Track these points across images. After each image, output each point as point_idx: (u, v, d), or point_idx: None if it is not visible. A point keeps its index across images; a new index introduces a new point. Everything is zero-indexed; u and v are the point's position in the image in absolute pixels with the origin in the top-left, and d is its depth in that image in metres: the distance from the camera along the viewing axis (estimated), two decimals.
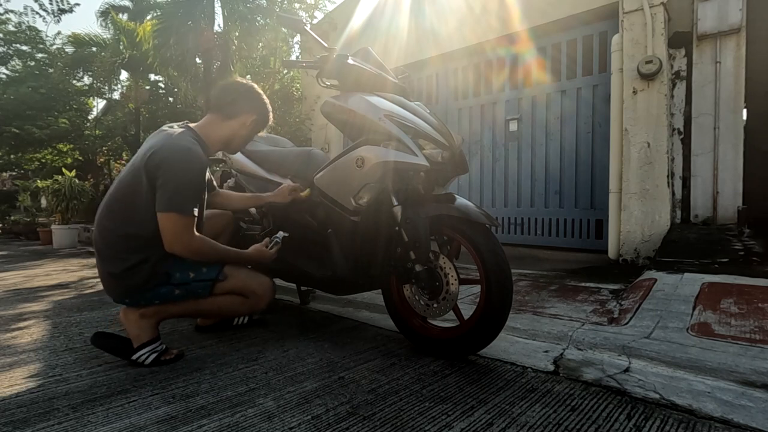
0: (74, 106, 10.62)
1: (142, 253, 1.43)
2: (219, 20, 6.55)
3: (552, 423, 1.03)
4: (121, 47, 8.09)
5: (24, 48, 11.39)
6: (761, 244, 2.68)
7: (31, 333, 1.87)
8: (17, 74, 10.97)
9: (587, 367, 1.37)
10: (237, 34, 6.25)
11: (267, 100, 1.68)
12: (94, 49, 8.93)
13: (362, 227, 1.57)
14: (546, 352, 1.52)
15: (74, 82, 10.52)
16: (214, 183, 1.86)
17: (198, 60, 6.27)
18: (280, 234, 1.72)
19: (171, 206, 1.37)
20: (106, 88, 10.57)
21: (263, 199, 1.87)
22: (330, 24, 5.58)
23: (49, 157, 10.98)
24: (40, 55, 11.40)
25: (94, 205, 8.48)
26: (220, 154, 2.16)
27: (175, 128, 1.53)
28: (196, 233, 1.44)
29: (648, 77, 3.13)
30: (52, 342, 1.73)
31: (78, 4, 12.90)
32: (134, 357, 1.44)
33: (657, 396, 1.16)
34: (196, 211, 1.42)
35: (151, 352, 1.44)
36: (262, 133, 1.94)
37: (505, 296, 1.35)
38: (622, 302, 2.15)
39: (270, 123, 1.72)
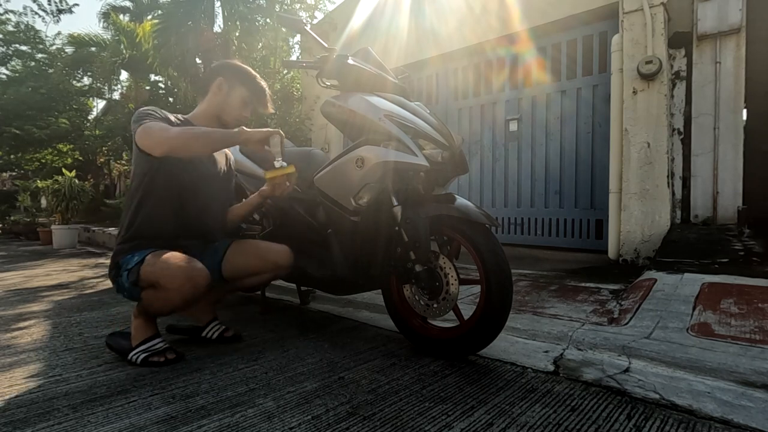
0: (74, 107, 10.62)
1: (117, 244, 1.53)
2: (219, 20, 6.56)
3: (552, 423, 1.03)
4: (121, 47, 8.09)
5: (24, 48, 11.39)
6: (761, 244, 2.68)
7: (31, 333, 1.87)
8: (17, 74, 10.98)
9: (587, 367, 1.37)
10: (237, 34, 6.25)
11: (241, 64, 1.66)
12: (93, 49, 8.94)
13: (362, 227, 1.57)
14: (546, 352, 1.52)
15: (74, 82, 10.53)
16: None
17: (198, 60, 6.27)
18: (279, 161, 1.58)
19: (138, 124, 1.42)
20: (106, 88, 10.59)
21: (259, 195, 1.74)
22: (330, 24, 5.58)
23: (49, 157, 10.98)
24: (40, 55, 11.41)
25: (94, 205, 8.49)
26: None
27: None
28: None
29: (648, 77, 3.13)
30: (52, 342, 1.73)
31: (77, 4, 12.88)
32: (128, 357, 1.45)
33: (657, 396, 1.16)
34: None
35: (142, 351, 1.44)
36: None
37: (505, 296, 1.35)
38: (622, 302, 2.14)
39: (259, 86, 1.64)
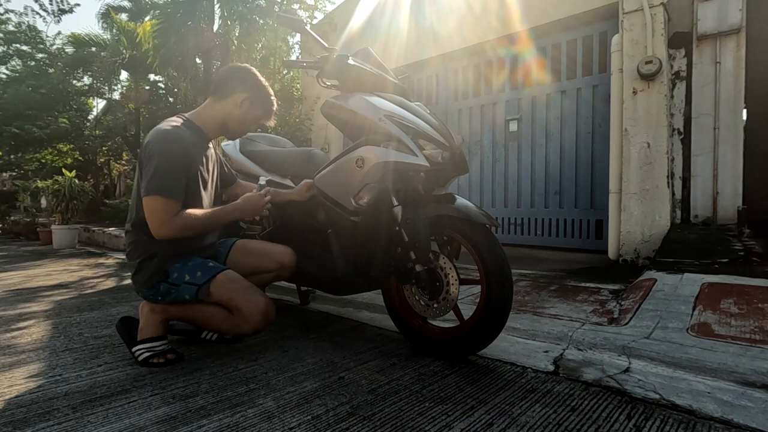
0: (74, 106, 10.60)
1: (151, 248, 1.45)
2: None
3: (552, 423, 1.03)
4: (121, 47, 8.08)
5: (24, 48, 11.38)
6: (761, 245, 2.68)
7: (31, 333, 1.87)
8: (17, 74, 10.97)
9: (587, 367, 1.37)
10: (237, 34, 6.25)
11: (264, 82, 1.61)
12: (94, 49, 8.94)
13: (362, 227, 1.57)
14: (546, 352, 1.52)
15: (74, 82, 10.52)
16: (233, 172, 1.83)
17: (198, 60, 6.27)
18: (263, 179, 1.67)
19: (150, 189, 1.36)
20: (106, 88, 10.58)
21: (282, 195, 1.76)
22: (330, 24, 5.58)
23: (49, 157, 10.97)
24: (40, 55, 11.40)
25: (94, 205, 8.49)
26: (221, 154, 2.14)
27: (169, 120, 1.55)
28: (180, 211, 1.40)
29: (648, 77, 3.13)
30: (52, 342, 1.73)
31: (78, 4, 12.91)
32: (133, 349, 1.47)
33: (657, 396, 1.16)
34: (179, 194, 1.39)
35: (146, 350, 1.45)
36: (262, 132, 1.91)
37: (505, 296, 1.35)
38: (622, 302, 2.14)
39: (272, 109, 1.65)
